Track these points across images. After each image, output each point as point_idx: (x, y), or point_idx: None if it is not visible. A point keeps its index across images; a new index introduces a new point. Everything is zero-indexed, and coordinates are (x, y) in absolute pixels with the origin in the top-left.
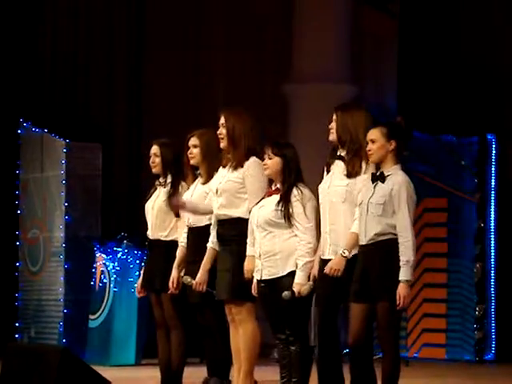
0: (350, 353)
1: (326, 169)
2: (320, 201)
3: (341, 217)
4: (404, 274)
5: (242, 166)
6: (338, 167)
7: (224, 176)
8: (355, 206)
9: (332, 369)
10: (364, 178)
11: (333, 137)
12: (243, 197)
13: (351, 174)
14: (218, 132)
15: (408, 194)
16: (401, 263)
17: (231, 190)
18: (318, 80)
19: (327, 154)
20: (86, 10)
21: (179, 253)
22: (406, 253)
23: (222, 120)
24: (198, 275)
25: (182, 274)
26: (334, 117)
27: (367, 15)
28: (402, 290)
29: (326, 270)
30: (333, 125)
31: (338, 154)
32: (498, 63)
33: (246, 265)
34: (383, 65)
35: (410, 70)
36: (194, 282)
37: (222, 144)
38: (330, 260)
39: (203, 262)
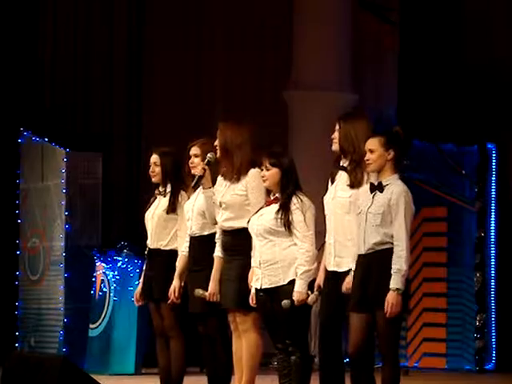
0: (351, 362)
1: (330, 179)
2: (325, 212)
3: (345, 228)
4: (394, 283)
5: (241, 178)
6: (342, 178)
7: (226, 188)
8: None
9: (334, 378)
10: (368, 188)
11: (335, 147)
12: (249, 208)
13: (354, 184)
14: (215, 143)
15: (406, 204)
16: (392, 271)
17: (237, 204)
18: (318, 88)
19: (330, 162)
20: (86, 17)
21: (180, 262)
22: (399, 261)
23: (218, 132)
24: (210, 286)
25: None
26: (337, 126)
27: (368, 23)
28: (390, 298)
29: (344, 290)
30: (335, 135)
31: (341, 164)
32: (499, 72)
33: (250, 275)
34: (383, 73)
35: (410, 78)
36: (206, 293)
37: (218, 155)
38: (334, 272)
39: (213, 273)
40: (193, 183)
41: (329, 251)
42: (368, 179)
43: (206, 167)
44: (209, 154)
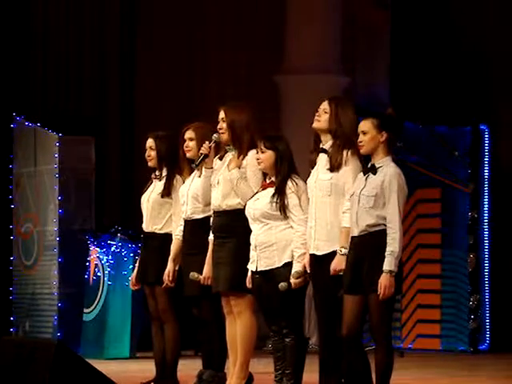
0: (345, 344)
1: (310, 165)
2: (309, 195)
3: (326, 210)
4: (387, 264)
5: (244, 158)
6: (322, 160)
7: (224, 167)
8: (342, 198)
9: (332, 359)
10: (348, 168)
11: (318, 125)
12: (241, 187)
13: (334, 166)
14: (218, 127)
15: (399, 186)
16: (386, 253)
17: (233, 181)
18: (310, 71)
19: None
20: (78, 2)
21: (174, 246)
22: (392, 244)
23: (222, 115)
24: (205, 270)
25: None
26: (326, 106)
27: (359, 6)
28: (384, 280)
29: (332, 272)
30: (321, 113)
31: (322, 146)
32: (491, 53)
33: None
34: (375, 55)
35: (402, 60)
36: (201, 277)
37: (224, 138)
38: (314, 255)
39: (207, 256)
40: (197, 161)
41: (309, 234)
42: (347, 160)
43: (213, 145)
44: (215, 135)
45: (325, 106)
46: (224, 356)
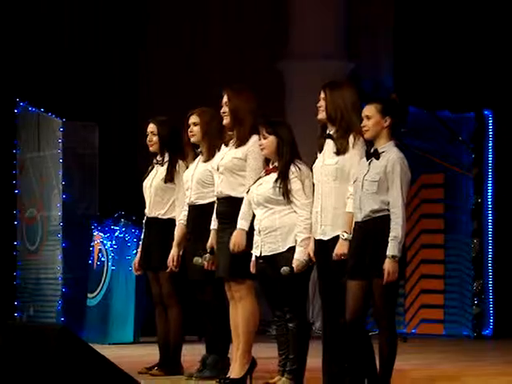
0: (348, 329)
1: (318, 150)
2: (314, 180)
3: (332, 195)
4: (391, 250)
5: (246, 144)
6: (329, 146)
7: (226, 153)
8: (347, 183)
9: (336, 344)
10: (354, 153)
11: (322, 115)
12: (243, 174)
13: (340, 150)
14: (222, 111)
15: (402, 171)
16: (389, 238)
17: (234, 168)
18: (314, 56)
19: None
20: None
21: (178, 231)
22: (396, 229)
23: (225, 98)
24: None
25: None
26: (323, 95)
27: None
28: (388, 265)
29: (334, 257)
30: (321, 103)
31: (328, 132)
32: (495, 38)
33: (241, 240)
34: (379, 40)
35: (406, 45)
36: (205, 262)
37: (226, 122)
38: (320, 240)
39: (209, 241)
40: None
41: (315, 220)
42: (354, 143)
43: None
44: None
45: (322, 94)
46: (227, 341)
